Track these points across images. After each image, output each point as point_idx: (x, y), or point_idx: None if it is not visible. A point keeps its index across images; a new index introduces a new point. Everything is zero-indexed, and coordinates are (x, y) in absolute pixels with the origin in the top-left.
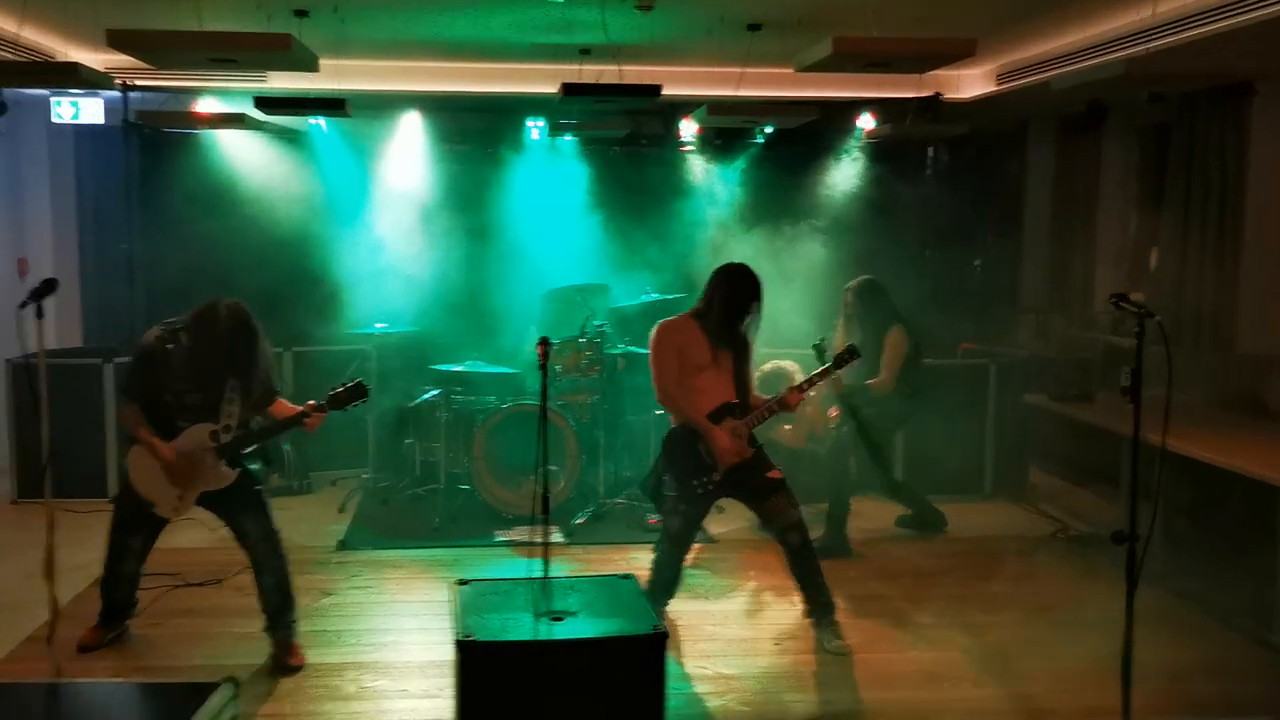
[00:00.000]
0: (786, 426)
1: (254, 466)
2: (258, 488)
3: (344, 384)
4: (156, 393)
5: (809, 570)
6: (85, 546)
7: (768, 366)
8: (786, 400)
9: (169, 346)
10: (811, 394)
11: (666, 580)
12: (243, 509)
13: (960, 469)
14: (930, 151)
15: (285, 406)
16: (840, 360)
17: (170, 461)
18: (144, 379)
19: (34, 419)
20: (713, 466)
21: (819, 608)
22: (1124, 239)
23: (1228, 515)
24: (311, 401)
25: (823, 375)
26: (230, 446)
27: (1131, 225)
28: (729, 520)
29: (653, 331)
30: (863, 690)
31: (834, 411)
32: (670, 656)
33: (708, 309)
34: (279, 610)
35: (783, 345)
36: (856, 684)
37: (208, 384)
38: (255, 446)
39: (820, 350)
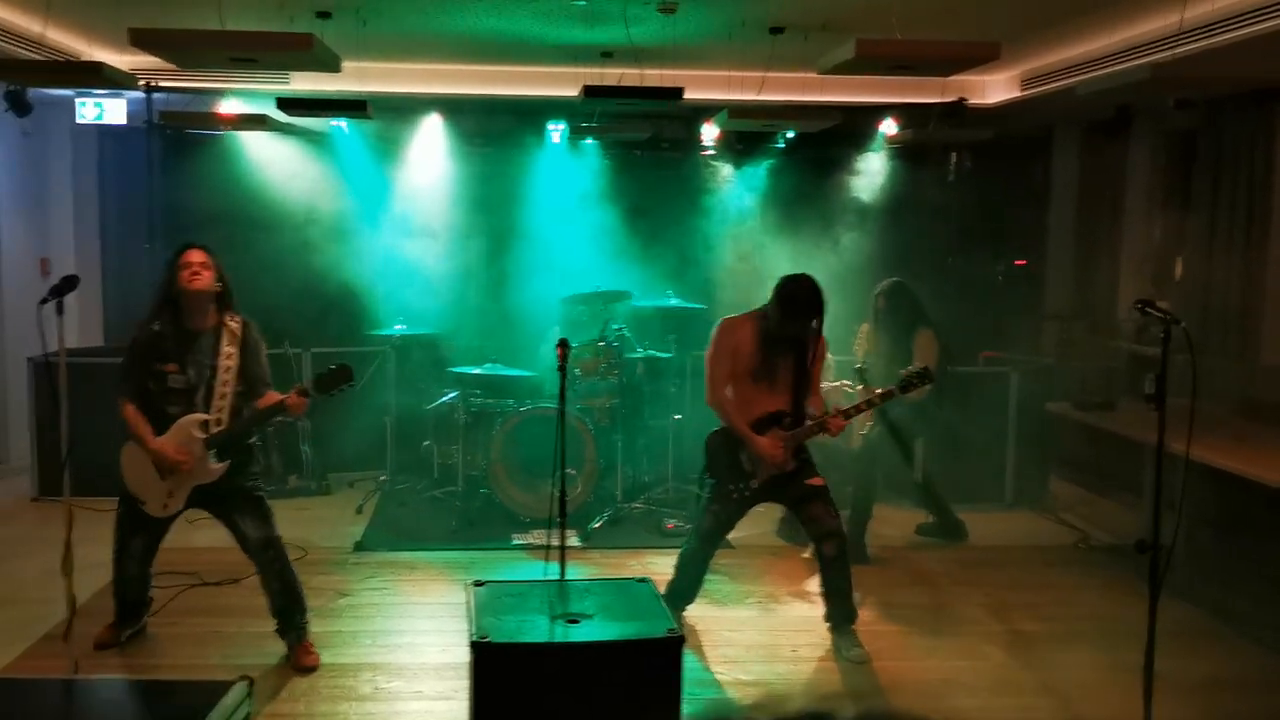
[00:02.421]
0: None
1: (255, 470)
2: (258, 494)
3: (330, 368)
4: (146, 380)
5: (839, 581)
6: (103, 544)
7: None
8: (828, 425)
9: (155, 328)
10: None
11: (689, 580)
12: (240, 513)
13: (981, 478)
14: (953, 157)
15: (274, 397)
16: (907, 385)
17: (159, 455)
18: (133, 370)
19: (55, 417)
20: (752, 474)
21: (840, 617)
22: (1149, 246)
23: (1252, 526)
24: (298, 384)
25: (877, 401)
26: (219, 437)
27: (1156, 232)
28: (749, 526)
29: (714, 328)
30: (881, 699)
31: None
32: (686, 661)
33: (768, 314)
34: (285, 612)
35: None
36: (875, 692)
37: (193, 340)
38: (245, 437)
39: (862, 374)
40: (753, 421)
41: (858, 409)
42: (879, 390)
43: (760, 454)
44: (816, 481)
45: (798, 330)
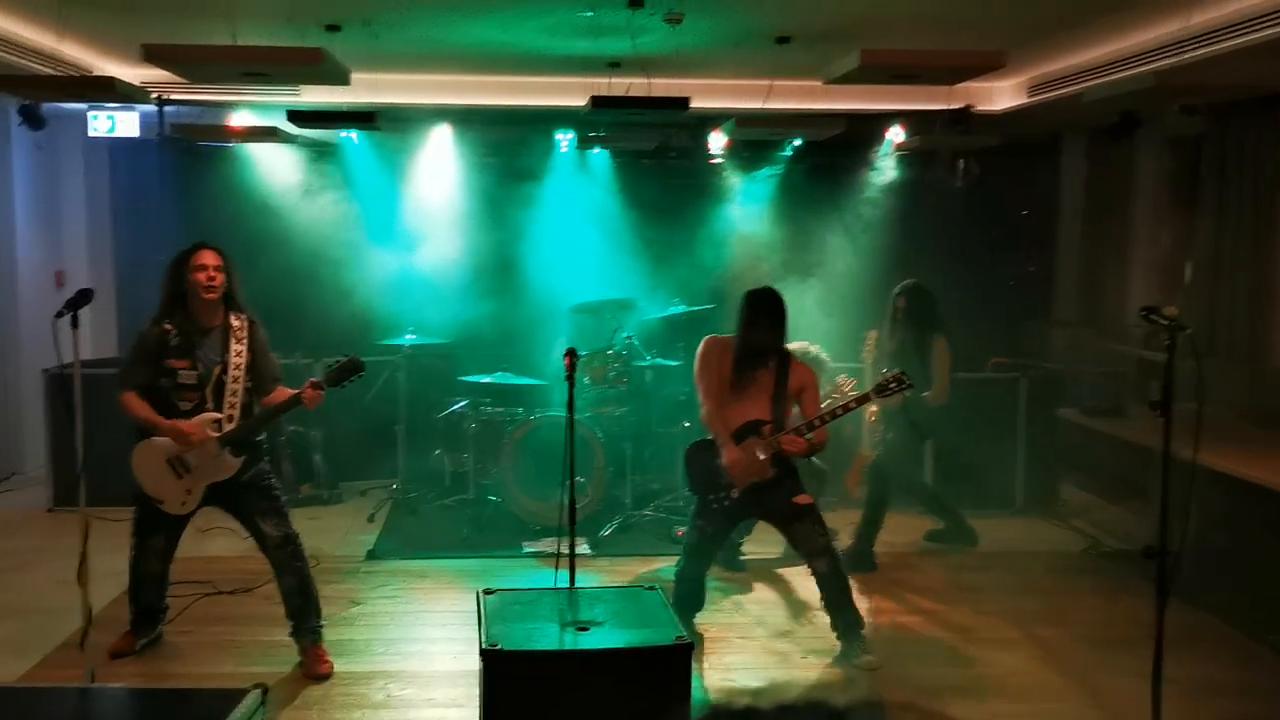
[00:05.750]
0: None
1: (269, 469)
2: (274, 491)
3: (339, 359)
4: (157, 377)
5: (838, 595)
6: (118, 554)
7: (795, 348)
8: (781, 444)
9: (165, 325)
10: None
11: (687, 594)
12: (258, 511)
13: (991, 484)
14: (961, 164)
15: (286, 393)
16: (883, 389)
17: (175, 431)
18: (138, 365)
19: (70, 428)
20: (731, 483)
21: (846, 626)
22: (1156, 252)
23: (1260, 530)
24: (311, 379)
25: (853, 405)
26: (232, 434)
27: (1164, 238)
28: (757, 534)
29: (699, 346)
30: (891, 705)
31: (871, 414)
32: (696, 667)
33: (738, 329)
34: (300, 611)
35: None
36: (884, 698)
37: (201, 336)
38: (258, 432)
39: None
40: (733, 431)
41: (833, 414)
42: (853, 395)
43: (726, 458)
44: (804, 500)
45: (764, 339)
